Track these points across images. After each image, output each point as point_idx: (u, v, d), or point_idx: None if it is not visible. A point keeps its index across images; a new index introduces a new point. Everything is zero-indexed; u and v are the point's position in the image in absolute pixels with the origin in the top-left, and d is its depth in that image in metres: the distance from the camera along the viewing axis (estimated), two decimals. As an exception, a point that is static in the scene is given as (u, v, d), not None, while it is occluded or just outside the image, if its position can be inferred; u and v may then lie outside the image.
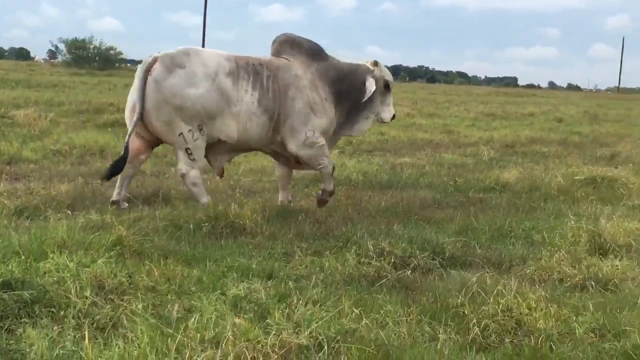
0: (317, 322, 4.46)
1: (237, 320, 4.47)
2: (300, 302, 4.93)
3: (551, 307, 5.01)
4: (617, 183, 10.83)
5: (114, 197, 8.14)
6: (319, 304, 4.97)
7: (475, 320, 4.78)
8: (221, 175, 8.74)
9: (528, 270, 6.26)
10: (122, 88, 29.05)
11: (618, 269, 6.18)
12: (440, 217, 8.27)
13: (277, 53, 8.59)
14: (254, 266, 5.90)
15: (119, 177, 8.12)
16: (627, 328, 4.74)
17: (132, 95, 7.95)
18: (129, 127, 7.90)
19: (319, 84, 8.41)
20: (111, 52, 64.38)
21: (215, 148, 8.23)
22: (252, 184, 10.11)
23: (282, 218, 7.67)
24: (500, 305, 4.94)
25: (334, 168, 8.73)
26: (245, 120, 8.02)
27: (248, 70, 8.07)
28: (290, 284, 5.44)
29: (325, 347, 4.24)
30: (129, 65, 64.14)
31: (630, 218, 7.79)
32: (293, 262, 6.23)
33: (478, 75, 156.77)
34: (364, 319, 4.75)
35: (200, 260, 6.01)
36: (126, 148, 7.87)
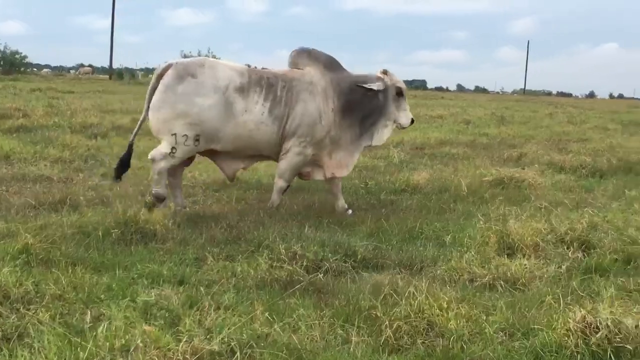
0: (229, 328, 4.42)
1: (147, 327, 4.41)
2: (212, 307, 4.89)
3: (462, 307, 5.06)
4: (524, 184, 11.06)
5: (178, 206, 8.43)
6: (231, 310, 4.94)
7: (387, 322, 4.80)
8: (231, 180, 9.04)
9: (439, 271, 6.32)
10: (27, 93, 28.43)
11: (526, 268, 6.29)
12: (352, 220, 8.29)
13: (294, 64, 8.91)
14: (164, 272, 5.83)
15: (171, 191, 8.54)
16: (535, 326, 4.83)
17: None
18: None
19: (330, 94, 8.70)
20: (16, 56, 63.07)
21: (223, 156, 8.54)
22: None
23: (193, 223, 7.59)
24: (412, 306, 4.97)
25: (288, 187, 8.95)
26: (252, 128, 8.28)
27: (261, 83, 8.36)
28: (201, 289, 5.39)
29: (238, 353, 4.20)
30: (34, 69, 62.90)
31: (537, 218, 7.92)
32: (205, 268, 6.16)
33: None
34: (277, 323, 4.73)
35: (110, 267, 5.91)
36: (130, 147, 8.45)
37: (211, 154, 8.64)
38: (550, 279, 6.18)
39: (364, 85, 8.78)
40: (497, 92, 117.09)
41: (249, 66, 8.77)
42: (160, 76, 8.17)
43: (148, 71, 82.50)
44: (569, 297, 5.47)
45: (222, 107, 8.12)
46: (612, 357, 4.37)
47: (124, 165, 8.46)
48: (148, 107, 8.20)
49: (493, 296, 5.70)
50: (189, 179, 10.74)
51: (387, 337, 4.69)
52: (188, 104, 8.02)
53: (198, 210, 8.36)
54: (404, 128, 9.46)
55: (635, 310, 4.81)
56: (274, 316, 4.85)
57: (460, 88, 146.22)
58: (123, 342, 4.17)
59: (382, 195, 10.15)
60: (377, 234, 7.61)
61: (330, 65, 8.90)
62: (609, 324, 4.53)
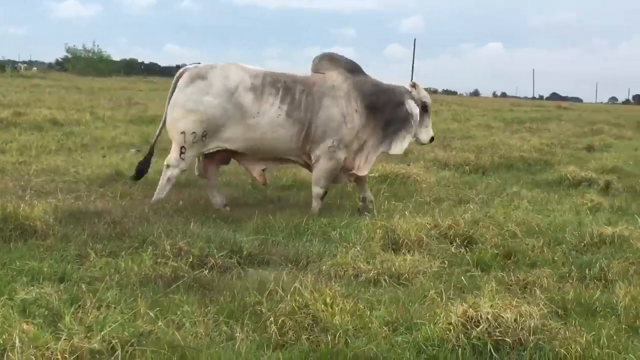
0: (110, 326, 4.32)
1: (25, 326, 4.27)
2: (94, 305, 4.77)
3: (347, 302, 5.08)
4: (410, 180, 11.23)
5: (218, 205, 8.83)
6: (113, 307, 4.83)
7: (272, 318, 4.79)
8: (264, 183, 9.27)
9: (324, 267, 6.34)
10: None
11: (410, 263, 6.37)
12: (238, 216, 8.26)
13: (316, 69, 9.10)
14: (45, 269, 5.67)
15: (208, 192, 9.03)
16: (418, 321, 4.89)
17: None
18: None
19: (352, 95, 8.82)
20: None
21: (244, 157, 8.84)
22: (43, 184, 9.69)
23: (75, 219, 7.39)
24: (297, 302, 4.96)
25: (325, 193, 9.08)
26: (266, 130, 8.51)
27: (277, 86, 8.57)
28: (83, 286, 5.24)
29: (119, 351, 4.11)
30: None
31: (421, 213, 8.05)
32: (87, 264, 6.02)
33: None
34: (160, 320, 4.65)
35: (-13, 265, 5.71)
36: (151, 148, 9.06)
37: (235, 156, 8.93)
38: (434, 273, 6.28)
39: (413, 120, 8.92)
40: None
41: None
42: (177, 79, 8.66)
43: (31, 64, 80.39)
44: (451, 292, 5.59)
45: (230, 106, 8.42)
46: (492, 351, 4.46)
47: (144, 165, 9.09)
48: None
49: (377, 291, 5.76)
50: (72, 174, 10.51)
51: (272, 333, 4.67)
52: (196, 102, 8.41)
53: (81, 206, 8.15)
54: (422, 144, 9.70)
55: (514, 304, 4.91)
56: (158, 313, 4.77)
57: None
58: (0, 341, 4.03)
59: (268, 191, 10.12)
60: (263, 229, 7.59)
61: (352, 68, 9.07)
62: (490, 317, 4.62)
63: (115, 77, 66.69)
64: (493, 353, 4.45)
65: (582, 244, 7.46)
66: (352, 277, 6.11)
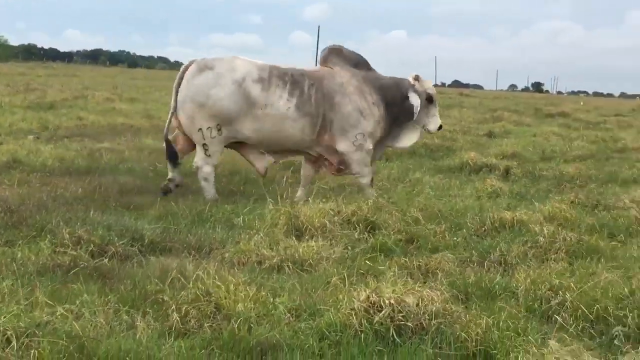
0: (4, 317, 4.18)
1: None
2: (-12, 296, 4.62)
3: (250, 289, 5.05)
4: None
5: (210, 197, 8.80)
6: (9, 297, 4.69)
7: (174, 307, 4.73)
8: (264, 175, 9.35)
9: (227, 254, 6.29)
10: None
11: (314, 249, 6.37)
12: (140, 203, 8.14)
13: (324, 62, 9.33)
14: (-64, 260, 5.46)
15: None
16: (321, 307, 4.89)
17: None
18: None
19: (366, 90, 9.06)
20: None
21: (250, 150, 9.01)
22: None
23: (-31, 208, 7.16)
24: (200, 290, 4.91)
25: (372, 180, 9.33)
26: (276, 122, 8.70)
27: (285, 79, 8.75)
28: (-23, 277, 5.08)
29: (14, 342, 3.99)
30: None
31: (325, 200, 8.05)
32: (-19, 254, 5.83)
33: (180, 61, 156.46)
34: (59, 310, 4.53)
35: None
36: (166, 141, 9.03)
37: (240, 148, 9.11)
38: (337, 259, 6.29)
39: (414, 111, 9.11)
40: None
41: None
42: (183, 72, 8.81)
43: None
44: (354, 277, 5.59)
45: (238, 97, 8.58)
46: (394, 335, 4.49)
47: (172, 158, 9.04)
48: (175, 104, 8.81)
49: (281, 278, 5.74)
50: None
51: (174, 321, 4.61)
52: (204, 96, 8.57)
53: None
54: (431, 133, 9.83)
55: (416, 289, 4.95)
56: (56, 303, 4.64)
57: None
58: None
59: (171, 178, 9.98)
60: (166, 217, 7.50)
61: (359, 63, 9.29)
62: (392, 302, 4.65)
63: (13, 63, 65.00)
64: (395, 338, 4.48)
65: (483, 229, 7.59)
66: (255, 264, 6.08)
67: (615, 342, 4.66)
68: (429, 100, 9.38)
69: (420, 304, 4.70)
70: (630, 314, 4.96)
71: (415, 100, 9.15)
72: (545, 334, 4.67)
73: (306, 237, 6.81)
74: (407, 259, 6.32)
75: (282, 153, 9.29)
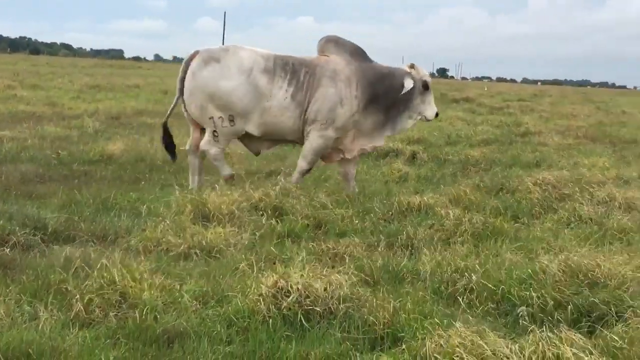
0: None
1: None
2: None
3: (156, 277, 4.98)
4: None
5: (193, 186, 8.71)
6: None
7: (78, 296, 4.64)
8: (257, 154, 9.41)
9: (133, 242, 6.20)
10: None
11: (221, 236, 6.32)
12: (43, 192, 7.96)
13: (321, 51, 9.24)
14: None
15: (189, 172, 8.95)
16: (229, 293, 4.87)
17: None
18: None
19: (353, 81, 8.94)
20: None
21: (251, 138, 8.89)
22: None
23: None
24: (105, 279, 4.82)
25: (309, 170, 9.19)
26: (276, 113, 8.67)
27: (286, 69, 8.74)
28: None
29: None
30: None
31: (233, 187, 7.99)
32: None
33: (83, 47, 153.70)
34: (-44, 303, 4.38)
35: None
36: (164, 128, 9.03)
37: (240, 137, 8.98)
38: (245, 246, 6.26)
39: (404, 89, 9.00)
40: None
41: None
42: (187, 63, 8.71)
43: None
44: (262, 263, 5.57)
45: (248, 88, 8.52)
46: (303, 320, 4.50)
47: (169, 146, 9.01)
48: (180, 93, 8.73)
49: (188, 265, 5.69)
50: None
51: (78, 311, 4.52)
52: (214, 87, 8.49)
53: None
54: (429, 120, 9.71)
55: (324, 273, 4.96)
56: (-47, 295, 4.50)
57: (158, 58, 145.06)
58: None
59: (75, 165, 9.81)
60: (69, 205, 7.34)
61: (356, 53, 9.20)
62: (300, 287, 4.66)
63: None
64: (304, 323, 4.49)
65: (390, 213, 7.65)
66: (162, 252, 6.00)
67: (520, 321, 4.74)
68: (424, 87, 9.32)
69: (328, 288, 4.72)
70: (534, 294, 5.06)
71: (409, 83, 9.07)
72: (451, 315, 4.73)
73: (214, 224, 6.74)
74: (315, 244, 6.33)
75: (277, 142, 9.29)
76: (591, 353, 3.99)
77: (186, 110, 8.78)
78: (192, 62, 8.67)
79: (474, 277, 5.34)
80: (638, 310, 4.80)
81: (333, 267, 5.56)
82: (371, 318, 4.51)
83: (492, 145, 14.81)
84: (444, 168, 11.44)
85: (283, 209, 7.34)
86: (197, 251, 6.01)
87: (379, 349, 4.32)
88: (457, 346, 3.95)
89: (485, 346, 3.95)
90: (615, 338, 4.25)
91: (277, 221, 7.03)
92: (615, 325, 4.60)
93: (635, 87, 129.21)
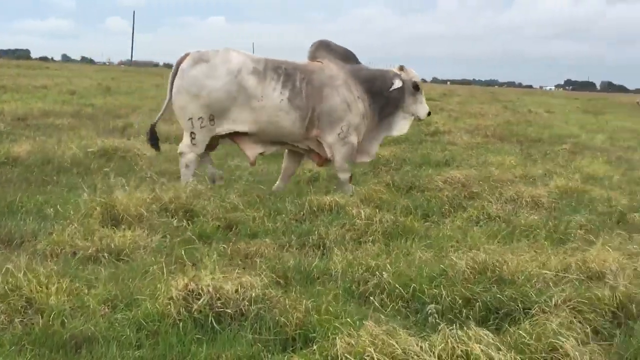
0: None
1: None
2: None
3: (63, 281, 4.87)
4: (130, 154, 11.00)
5: (210, 179, 9.04)
6: None
7: (-19, 303, 4.49)
8: (253, 164, 9.38)
9: (39, 246, 6.04)
10: None
11: (130, 238, 6.22)
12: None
13: (313, 56, 9.49)
14: None
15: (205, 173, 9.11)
16: (138, 297, 4.79)
17: None
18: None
19: (351, 83, 9.22)
20: None
21: (244, 140, 9.02)
22: None
23: None
24: (10, 284, 4.69)
25: (351, 177, 9.40)
26: (270, 114, 8.80)
27: (278, 72, 8.88)
28: None
29: None
30: None
31: (142, 188, 7.88)
32: None
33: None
34: None
35: None
36: (152, 128, 9.28)
37: (235, 137, 9.05)
38: (155, 248, 6.17)
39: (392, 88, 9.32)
40: (104, 63, 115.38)
41: None
42: (179, 64, 8.85)
43: None
44: (173, 266, 5.50)
45: (234, 88, 8.68)
46: (214, 322, 4.47)
47: (153, 141, 9.30)
48: (171, 94, 8.88)
49: (96, 269, 5.57)
50: None
51: (-20, 319, 4.38)
52: (199, 87, 8.66)
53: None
54: (421, 120, 10.05)
55: (235, 275, 4.93)
56: None
57: (65, 58, 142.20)
58: None
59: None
60: (-29, 209, 7.12)
61: (347, 57, 9.49)
62: (211, 290, 4.62)
63: None
64: (215, 325, 4.46)
65: (302, 213, 7.65)
66: (69, 255, 5.86)
67: (430, 319, 4.79)
68: (415, 88, 9.59)
69: (239, 290, 4.70)
70: (444, 292, 5.13)
71: (398, 83, 9.36)
72: (362, 315, 4.75)
73: (123, 227, 6.63)
74: (226, 246, 6.29)
75: (275, 144, 9.29)
76: (499, 349, 4.06)
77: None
78: (183, 63, 8.83)
79: (384, 276, 5.40)
80: (544, 306, 4.92)
81: (244, 268, 5.55)
82: (282, 319, 4.51)
83: (402, 145, 14.93)
84: (354, 167, 11.48)
85: (194, 210, 7.28)
86: (106, 254, 5.89)
87: (290, 350, 4.31)
88: (368, 346, 3.97)
89: (396, 345, 3.98)
90: (523, 334, 4.34)
91: (187, 223, 6.97)
92: (523, 321, 4.69)
93: (540, 87, 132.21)
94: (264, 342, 4.35)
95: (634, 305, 5.12)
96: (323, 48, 9.53)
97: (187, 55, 8.91)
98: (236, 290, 4.67)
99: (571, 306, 4.97)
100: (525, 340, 4.28)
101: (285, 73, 8.91)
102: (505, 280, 5.50)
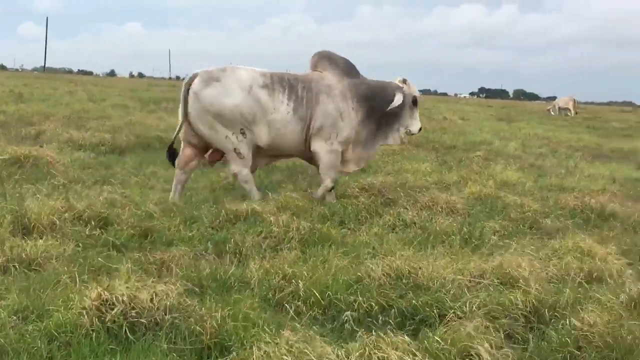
0: None
1: None
2: None
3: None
4: (42, 162, 10.75)
5: (174, 197, 8.91)
6: None
7: None
8: (252, 172, 9.33)
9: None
10: None
11: (42, 248, 6.08)
12: None
13: (314, 66, 9.61)
14: None
15: (172, 185, 9.14)
16: (50, 308, 4.69)
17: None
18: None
19: (348, 95, 9.33)
20: None
21: (254, 154, 9.09)
22: None
23: None
24: None
25: (333, 187, 9.39)
26: (279, 127, 8.95)
27: (283, 84, 9.01)
28: None
29: None
30: None
31: (55, 196, 7.73)
32: None
33: None
34: None
35: None
36: (171, 144, 9.33)
37: None
38: (68, 257, 6.04)
39: (392, 103, 9.47)
40: (17, 69, 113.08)
41: None
42: (188, 85, 8.83)
43: None
44: (86, 276, 5.39)
45: (251, 103, 8.76)
46: (128, 332, 4.40)
47: (171, 159, 9.24)
48: (185, 113, 8.84)
49: (7, 279, 5.43)
50: None
51: None
52: (218, 106, 8.69)
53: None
54: (412, 134, 10.17)
55: (150, 284, 4.87)
56: None
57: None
58: None
59: None
60: None
61: (348, 69, 9.56)
62: (125, 299, 4.55)
63: None
64: (129, 335, 4.39)
65: (218, 221, 7.59)
66: (-22, 267, 5.70)
67: (346, 326, 4.81)
68: (414, 103, 9.80)
69: (154, 299, 4.64)
70: (360, 298, 5.16)
71: (398, 97, 9.50)
72: (279, 323, 4.74)
73: (34, 236, 6.48)
74: (141, 254, 6.20)
75: (276, 157, 9.72)
76: (415, 355, 4.10)
77: (185, 130, 8.99)
78: (193, 84, 8.81)
79: (301, 284, 5.39)
80: (459, 312, 4.99)
81: (160, 277, 5.49)
82: (198, 328, 4.46)
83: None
84: (272, 175, 11.49)
85: (108, 219, 7.16)
86: (17, 264, 5.74)
87: (206, 359, 4.28)
88: (285, 354, 3.97)
89: (312, 352, 3.98)
90: (438, 339, 4.39)
91: (102, 232, 6.85)
92: (438, 326, 4.75)
93: (455, 94, 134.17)
94: (179, 351, 4.30)
95: (546, 310, 5.23)
96: (324, 59, 9.66)
97: (195, 75, 8.92)
98: (151, 300, 4.61)
99: (485, 311, 5.05)
100: (441, 346, 4.33)
101: (289, 85, 9.08)
102: (421, 286, 5.57)
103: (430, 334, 4.52)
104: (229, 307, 4.82)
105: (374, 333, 4.35)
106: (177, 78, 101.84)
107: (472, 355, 4.30)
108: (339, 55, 9.78)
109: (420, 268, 5.80)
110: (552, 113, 46.77)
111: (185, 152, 9.15)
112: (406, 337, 4.38)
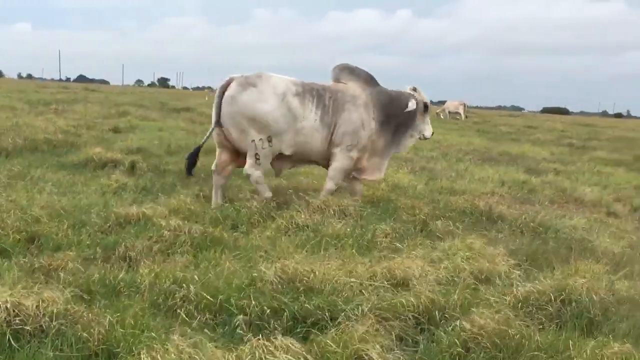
0: None
1: None
2: None
3: None
4: None
5: (216, 202, 9.36)
6: None
7: None
8: (278, 175, 10.12)
9: None
10: None
11: None
12: None
13: (337, 78, 10.00)
14: None
15: (213, 190, 9.54)
16: None
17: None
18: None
19: (370, 105, 9.76)
20: None
21: (279, 158, 9.51)
22: None
23: None
24: None
25: (334, 190, 9.82)
26: (308, 134, 9.38)
27: (313, 93, 9.43)
28: None
29: None
30: None
31: None
32: None
33: None
34: None
35: None
36: (199, 147, 9.75)
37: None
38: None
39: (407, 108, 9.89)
40: None
41: None
42: (223, 89, 9.19)
43: None
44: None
45: (284, 110, 9.14)
46: (12, 340, 4.27)
47: (191, 160, 9.66)
48: (217, 119, 9.22)
49: None
50: None
51: None
52: (253, 110, 9.04)
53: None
54: (426, 139, 10.57)
55: (36, 290, 4.74)
56: None
57: None
58: None
59: None
60: None
61: (370, 81, 9.98)
62: (9, 306, 4.42)
63: None
64: (12, 343, 4.26)
65: (108, 225, 7.46)
66: None
67: (238, 330, 4.78)
68: (425, 108, 10.24)
69: (40, 305, 4.52)
70: (253, 302, 5.13)
71: (413, 105, 9.93)
72: (169, 328, 4.68)
73: None
74: (27, 260, 6.04)
75: (300, 162, 10.02)
76: (306, 358, 4.10)
77: (218, 134, 9.36)
78: (229, 88, 9.15)
79: (192, 288, 5.34)
80: (350, 314, 5.01)
81: (47, 282, 5.35)
82: (85, 334, 4.37)
83: (211, 155, 14.88)
84: (164, 178, 11.34)
85: (-9, 223, 6.94)
86: None
87: (93, 366, 4.19)
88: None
89: (202, 357, 3.94)
90: (329, 342, 4.40)
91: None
92: (329, 330, 4.76)
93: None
94: (65, 358, 4.20)
95: (436, 311, 5.31)
96: (345, 71, 10.03)
97: (231, 80, 9.25)
98: (37, 306, 4.49)
99: (377, 314, 5.09)
100: (332, 349, 4.35)
101: (317, 94, 9.48)
102: (313, 289, 5.57)
103: (321, 337, 4.53)
104: (118, 312, 4.74)
105: (264, 337, 4.33)
106: (67, 79, 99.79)
107: (363, 357, 4.33)
108: (360, 68, 10.14)
109: (312, 271, 5.80)
110: (442, 117, 47.73)
111: (221, 157, 9.56)
112: (295, 341, 4.38)
